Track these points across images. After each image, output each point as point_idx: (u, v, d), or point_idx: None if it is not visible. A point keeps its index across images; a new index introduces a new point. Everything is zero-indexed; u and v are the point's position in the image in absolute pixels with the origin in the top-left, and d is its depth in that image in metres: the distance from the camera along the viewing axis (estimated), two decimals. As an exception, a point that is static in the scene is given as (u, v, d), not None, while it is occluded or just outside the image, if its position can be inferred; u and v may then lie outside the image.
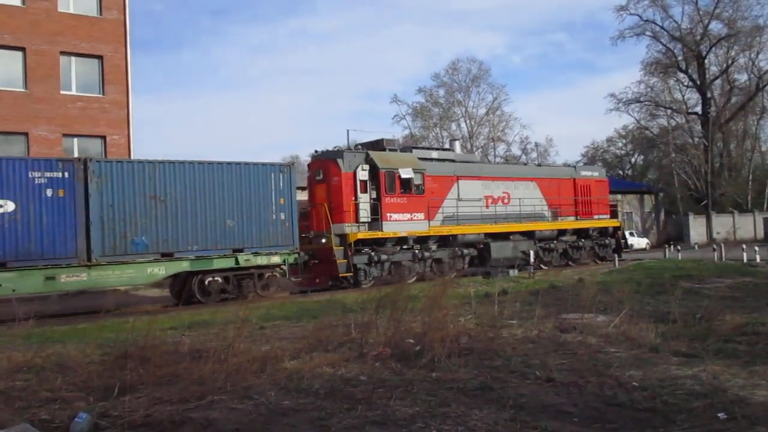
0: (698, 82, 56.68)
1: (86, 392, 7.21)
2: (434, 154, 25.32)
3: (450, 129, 68.46)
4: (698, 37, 55.57)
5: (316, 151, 23.71)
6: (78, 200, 16.86)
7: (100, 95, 27.87)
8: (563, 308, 12.29)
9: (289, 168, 20.68)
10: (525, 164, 30.87)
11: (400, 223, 22.20)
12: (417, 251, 22.76)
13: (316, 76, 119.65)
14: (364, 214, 21.55)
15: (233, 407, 6.54)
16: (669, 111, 60.82)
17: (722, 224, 49.27)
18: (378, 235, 21.67)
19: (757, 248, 26.67)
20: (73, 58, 27.50)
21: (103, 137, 27.65)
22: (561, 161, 71.74)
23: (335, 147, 22.87)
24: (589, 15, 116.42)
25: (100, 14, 28.06)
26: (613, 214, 31.04)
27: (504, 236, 25.58)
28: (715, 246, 29.39)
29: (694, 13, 56.02)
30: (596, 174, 30.81)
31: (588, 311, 11.38)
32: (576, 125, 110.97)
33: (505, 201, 25.92)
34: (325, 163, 21.93)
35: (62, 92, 27.04)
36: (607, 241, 29.55)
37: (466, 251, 24.46)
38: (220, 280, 18.91)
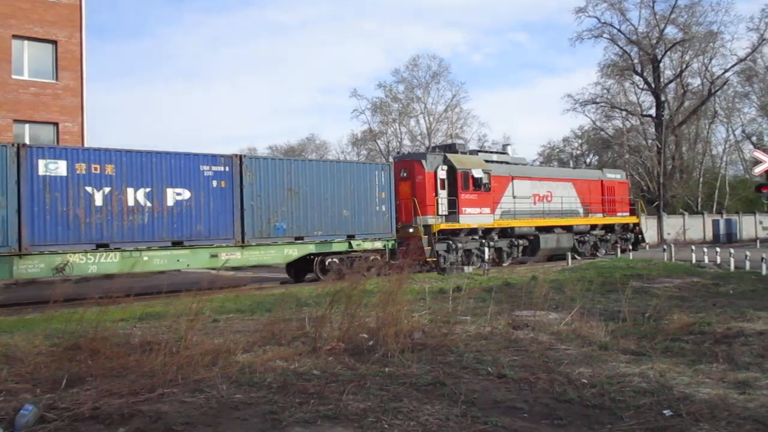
0: (653, 86, 57.61)
1: (33, 384, 7.06)
2: (494, 157, 29.29)
3: (409, 125, 68.65)
4: (654, 41, 56.48)
5: (398, 153, 27.85)
6: (235, 191, 19.95)
7: (54, 81, 27.29)
8: (516, 305, 12.41)
9: (389, 167, 24.28)
10: (564, 168, 35.22)
11: (472, 216, 25.69)
12: (483, 241, 26.18)
13: (274, 68, 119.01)
14: (443, 208, 24.96)
15: (184, 400, 6.47)
16: (624, 113, 61.71)
17: (673, 225, 50.22)
18: (455, 226, 25.05)
19: (705, 249, 27.26)
20: (25, 42, 26.86)
21: (56, 124, 27.09)
22: (518, 160, 72.34)
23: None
24: (549, 16, 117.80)
25: (56, -2, 27.48)
26: (632, 212, 34.83)
27: (549, 229, 29.26)
28: (665, 246, 29.97)
29: (650, 17, 56.95)
30: (619, 176, 35.10)
31: (540, 309, 11.52)
32: (533, 124, 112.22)
33: (549, 199, 29.73)
34: (410, 163, 25.31)
35: (14, 77, 26.41)
36: (628, 236, 34.02)
37: (520, 241, 28.19)
38: (337, 261, 22.02)
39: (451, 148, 27.76)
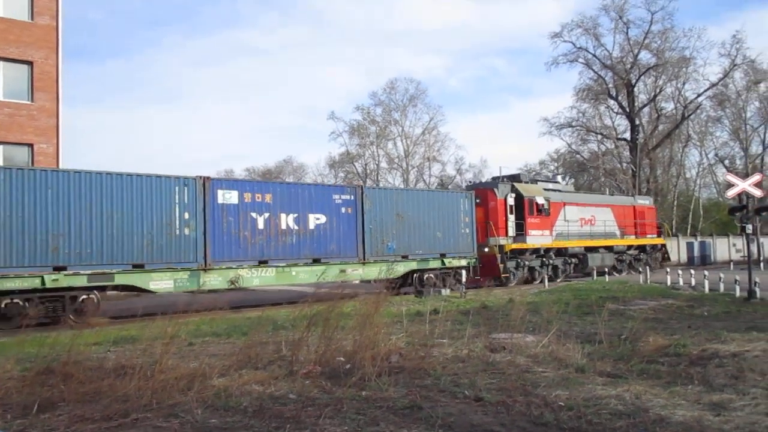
0: (627, 110, 58.36)
1: (3, 409, 6.95)
2: (549, 185, 32.98)
3: (386, 147, 68.88)
4: (628, 66, 57.29)
5: (469, 182, 35.26)
6: (358, 216, 23.37)
7: (29, 102, 27.05)
8: (493, 328, 12.41)
9: (471, 195, 27.47)
10: (603, 195, 39.19)
11: (536, 237, 29.43)
12: (543, 259, 30.04)
13: (253, 91, 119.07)
14: (512, 230, 28.76)
15: (158, 425, 6.40)
16: (599, 136, 62.42)
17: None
18: (523, 246, 28.90)
19: (680, 271, 27.51)
20: (0, 63, 26.67)
21: (31, 145, 26.81)
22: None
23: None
24: (525, 41, 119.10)
25: (32, 19, 27.28)
26: (659, 234, 39.07)
27: (595, 249, 32.89)
28: (640, 269, 30.22)
29: (624, 42, 57.81)
30: (647, 202, 38.92)
31: (517, 331, 11.53)
32: (510, 147, 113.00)
33: (593, 222, 33.44)
34: (483, 191, 28.89)
35: (-12, 98, 26.19)
36: (657, 255, 38.06)
37: (572, 260, 31.77)
38: (433, 276, 25.55)
39: (515, 178, 31.36)
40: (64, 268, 17.16)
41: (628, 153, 59.39)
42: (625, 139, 60.17)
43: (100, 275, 17.79)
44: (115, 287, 18.90)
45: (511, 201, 28.94)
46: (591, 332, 12.08)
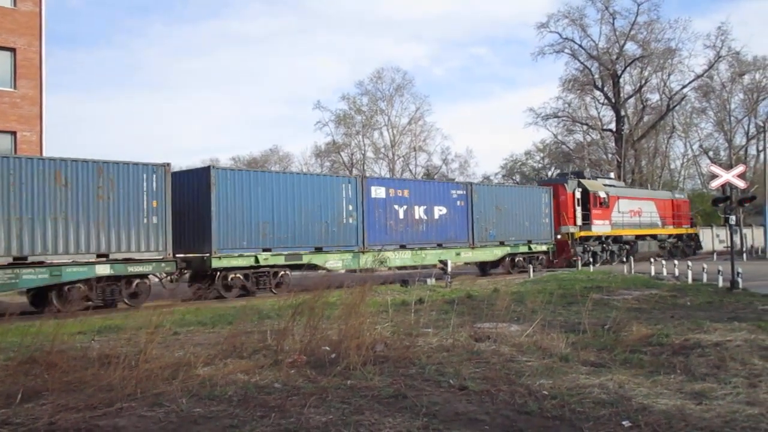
0: (613, 101, 58.48)
1: (-14, 399, 6.92)
2: (606, 181, 37.76)
3: (372, 137, 68.77)
4: (614, 57, 57.40)
5: (541, 178, 40.45)
6: (468, 208, 28.20)
7: (12, 89, 26.79)
8: (478, 317, 12.47)
9: (551, 189, 32.33)
10: (647, 189, 44.84)
11: (598, 226, 34.21)
12: (603, 245, 34.89)
13: (237, 80, 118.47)
14: (579, 220, 33.34)
15: (143, 414, 6.39)
16: (585, 127, 62.61)
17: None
18: (589, 233, 33.74)
19: (663, 262, 27.69)
20: (-17, 50, 26.39)
21: (14, 133, 26.58)
22: (481, 173, 73.25)
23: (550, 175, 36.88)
24: (511, 30, 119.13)
25: (14, 5, 26.98)
26: (692, 225, 43.93)
27: (643, 237, 37.91)
28: (624, 259, 30.54)
29: (611, 33, 57.88)
30: (683, 196, 44.13)
31: (502, 321, 11.58)
32: (496, 137, 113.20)
33: (640, 214, 38.12)
34: (555, 186, 33.51)
35: (-30, 85, 25.93)
36: (691, 243, 42.94)
37: (626, 246, 36.53)
38: (522, 259, 30.36)
39: (580, 175, 36.82)
40: (269, 250, 21.68)
41: (613, 144, 59.60)
42: (610, 130, 60.37)
43: (293, 255, 22.36)
44: (302, 266, 22.98)
45: (578, 195, 33.65)
46: (575, 322, 12.15)
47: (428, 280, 24.01)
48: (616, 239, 35.95)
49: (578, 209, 33.26)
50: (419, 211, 26.18)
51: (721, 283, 20.47)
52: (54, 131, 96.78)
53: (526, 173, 77.41)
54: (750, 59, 59.16)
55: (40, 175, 17.19)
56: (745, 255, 39.01)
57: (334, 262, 23.43)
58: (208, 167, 21.18)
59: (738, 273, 19.52)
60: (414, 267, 27.01)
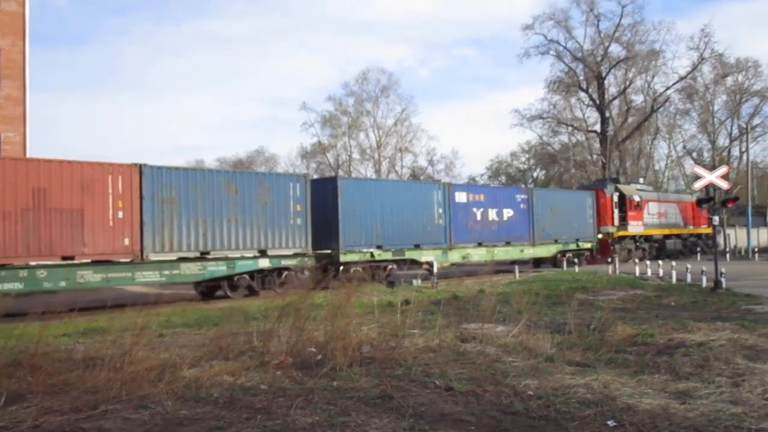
0: (598, 102, 58.73)
1: (-31, 402, 6.86)
2: (637, 186, 41.39)
3: (358, 138, 68.74)
4: (599, 59, 57.64)
5: (582, 184, 45.35)
6: (529, 210, 31.54)
7: (-5, 90, 26.59)
8: (464, 318, 12.48)
9: (594, 193, 36.11)
10: (671, 192, 47.35)
11: (633, 227, 37.67)
12: (636, 244, 38.53)
13: (222, 80, 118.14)
14: (616, 221, 36.95)
15: (128, 417, 6.36)
16: (570, 128, 62.75)
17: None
18: (626, 233, 37.38)
19: (648, 262, 27.84)
20: (-34, 50, 26.16)
21: (-3, 134, 26.39)
22: (466, 174, 73.38)
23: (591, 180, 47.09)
24: (496, 32, 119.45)
25: (-2, 6, 26.82)
26: (709, 225, 45.71)
27: (669, 237, 41.47)
28: (609, 259, 30.75)
29: (595, 35, 58.09)
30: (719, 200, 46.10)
31: (488, 321, 11.60)
32: (481, 139, 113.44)
33: (666, 215, 41.65)
34: (596, 190, 37.01)
35: (-46, 85, 25.68)
36: (709, 242, 44.21)
37: (655, 245, 40.11)
38: (571, 255, 33.48)
39: (616, 180, 41.25)
40: (381, 247, 24.90)
41: (598, 145, 59.82)
42: (595, 131, 60.59)
43: (398, 251, 25.61)
44: (404, 261, 25.97)
45: (615, 198, 37.17)
46: (560, 322, 12.19)
47: (414, 281, 24.09)
48: (647, 238, 39.63)
49: (615, 211, 37.05)
50: (492, 213, 29.67)
51: (704, 283, 20.59)
52: (36, 131, 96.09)
53: (512, 174, 77.65)
54: (733, 61, 59.49)
55: (217, 184, 20.51)
56: (728, 255, 39.36)
57: (428, 257, 26.30)
58: (335, 177, 25.91)
59: (721, 273, 19.64)
60: (485, 263, 30.23)
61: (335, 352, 8.47)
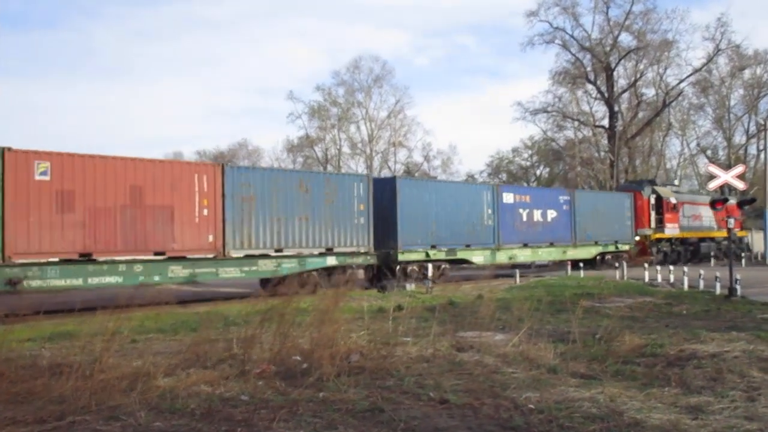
0: (606, 95, 58.89)
1: (-75, 411, 6.82)
2: (672, 189, 43.18)
3: (349, 131, 68.72)
4: (608, 49, 57.81)
5: (619, 185, 47.73)
6: (571, 212, 33.87)
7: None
8: (461, 326, 12.50)
9: (632, 195, 38.22)
10: (704, 195, 47.52)
11: (670, 229, 39.94)
12: (672, 246, 40.71)
13: (203, 67, 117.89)
14: (653, 223, 39.26)
15: (97, 429, 6.34)
16: (576, 123, 62.83)
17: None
18: (663, 236, 39.71)
19: (658, 267, 27.92)
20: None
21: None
22: (464, 171, 73.46)
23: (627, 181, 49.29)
24: (498, 19, 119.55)
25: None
26: (742, 228, 47.73)
27: (703, 239, 43.20)
28: (617, 264, 30.89)
29: (604, 23, 58.32)
30: (734, 202, 48.23)
31: (486, 329, 11.63)
32: (481, 133, 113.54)
33: (701, 218, 43.39)
34: (633, 192, 39.13)
35: None
36: (742, 245, 47.86)
37: (689, 247, 42.21)
38: (610, 257, 36.41)
39: (652, 182, 42.95)
40: (435, 247, 26.91)
41: (606, 141, 60.04)
42: (603, 127, 60.77)
43: (451, 251, 27.69)
44: (456, 260, 28.46)
45: (652, 200, 39.43)
46: (564, 331, 12.21)
47: (408, 286, 24.09)
48: (683, 241, 41.88)
49: (653, 213, 39.42)
50: (537, 214, 31.91)
51: (718, 291, 20.65)
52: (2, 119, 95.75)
53: (513, 172, 77.75)
54: (751, 53, 60.00)
55: (290, 183, 22.71)
56: (744, 260, 39.56)
57: (477, 257, 29.02)
58: (394, 177, 28.29)
59: (736, 280, 19.71)
60: (530, 264, 33.98)
61: (322, 361, 8.46)
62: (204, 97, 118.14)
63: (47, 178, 17.61)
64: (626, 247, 37.29)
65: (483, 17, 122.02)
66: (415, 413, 7.03)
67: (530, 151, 76.67)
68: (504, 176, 76.62)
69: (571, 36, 58.96)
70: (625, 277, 27.44)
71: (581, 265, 32.10)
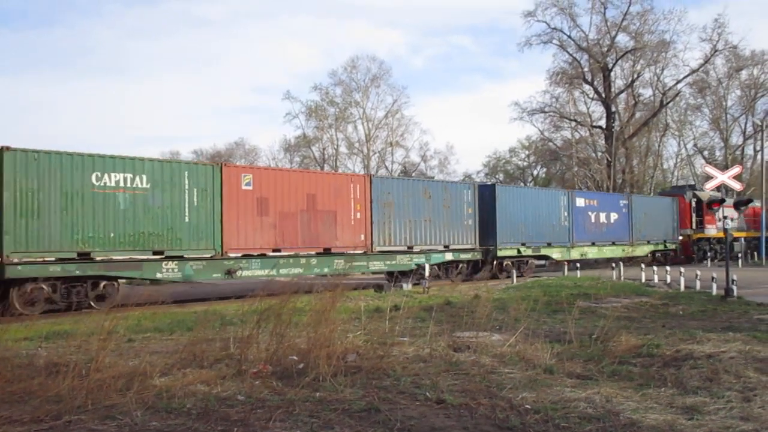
0: (603, 95, 58.84)
1: None
2: (710, 192, 43.17)
3: (346, 131, 68.66)
4: (605, 49, 57.75)
5: (663, 190, 50.95)
6: (629, 214, 37.68)
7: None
8: (458, 326, 12.51)
9: (677, 198, 42.02)
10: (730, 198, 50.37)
11: (709, 230, 43.19)
12: (711, 245, 43.76)
13: (199, 66, 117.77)
14: (694, 224, 42.73)
15: (93, 428, 6.34)
16: (573, 123, 62.73)
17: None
18: (703, 236, 43.15)
19: (655, 268, 27.96)
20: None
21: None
22: (462, 171, 73.55)
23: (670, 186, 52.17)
24: (495, 19, 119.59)
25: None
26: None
27: (737, 239, 44.65)
28: (613, 264, 30.89)
29: (601, 24, 58.27)
30: (759, 204, 50.08)
31: (483, 329, 11.62)
32: (478, 133, 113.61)
33: (735, 219, 44.54)
34: (677, 196, 42.80)
35: None
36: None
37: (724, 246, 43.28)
38: (659, 254, 40.83)
39: (693, 187, 45.41)
40: (524, 245, 30.80)
41: (603, 141, 59.99)
42: (600, 127, 60.74)
43: (536, 248, 31.49)
44: (538, 256, 32.26)
45: (693, 203, 42.78)
46: (560, 331, 12.23)
47: (404, 285, 24.13)
48: (719, 240, 44.55)
49: (694, 215, 42.83)
50: (602, 216, 35.92)
51: (715, 291, 20.68)
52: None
53: (510, 172, 77.80)
54: (748, 54, 59.99)
55: (417, 191, 26.71)
56: (740, 261, 39.62)
57: (556, 254, 32.83)
58: (494, 185, 30.95)
59: (732, 280, 19.74)
60: (596, 260, 38.12)
61: (318, 361, 8.47)
62: (201, 95, 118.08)
63: (250, 187, 21.54)
64: (673, 246, 41.39)
65: (480, 17, 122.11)
66: (412, 413, 7.03)
67: (527, 152, 76.78)
68: (501, 176, 76.69)
69: (569, 36, 58.97)
70: (622, 278, 27.46)
71: (578, 265, 31.85)
